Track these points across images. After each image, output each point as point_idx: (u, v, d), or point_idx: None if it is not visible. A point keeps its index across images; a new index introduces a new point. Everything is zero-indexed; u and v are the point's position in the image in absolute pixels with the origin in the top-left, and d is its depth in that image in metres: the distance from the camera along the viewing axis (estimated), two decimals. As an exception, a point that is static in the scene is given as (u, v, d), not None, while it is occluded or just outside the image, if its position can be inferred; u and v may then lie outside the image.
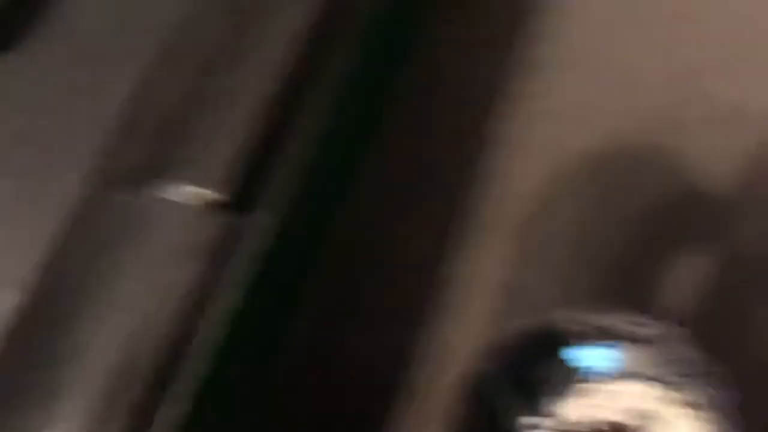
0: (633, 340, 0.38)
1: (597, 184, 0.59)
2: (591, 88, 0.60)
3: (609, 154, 0.59)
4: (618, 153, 0.59)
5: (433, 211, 0.57)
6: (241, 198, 0.39)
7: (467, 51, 0.61)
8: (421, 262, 0.55)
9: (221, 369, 0.36)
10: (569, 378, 0.37)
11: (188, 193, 0.38)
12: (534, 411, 0.36)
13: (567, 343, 0.38)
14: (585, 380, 0.37)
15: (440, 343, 0.50)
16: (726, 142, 0.58)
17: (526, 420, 0.36)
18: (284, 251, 0.42)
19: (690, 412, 0.36)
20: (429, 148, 0.59)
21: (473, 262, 0.54)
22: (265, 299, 0.42)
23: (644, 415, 0.36)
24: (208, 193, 0.38)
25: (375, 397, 0.50)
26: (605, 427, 0.36)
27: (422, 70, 0.59)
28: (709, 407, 0.37)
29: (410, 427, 0.49)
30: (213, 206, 0.38)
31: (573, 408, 0.36)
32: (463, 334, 0.47)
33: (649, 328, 0.40)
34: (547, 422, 0.36)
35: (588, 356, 0.37)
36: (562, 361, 0.37)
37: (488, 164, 0.59)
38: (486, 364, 0.41)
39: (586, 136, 0.59)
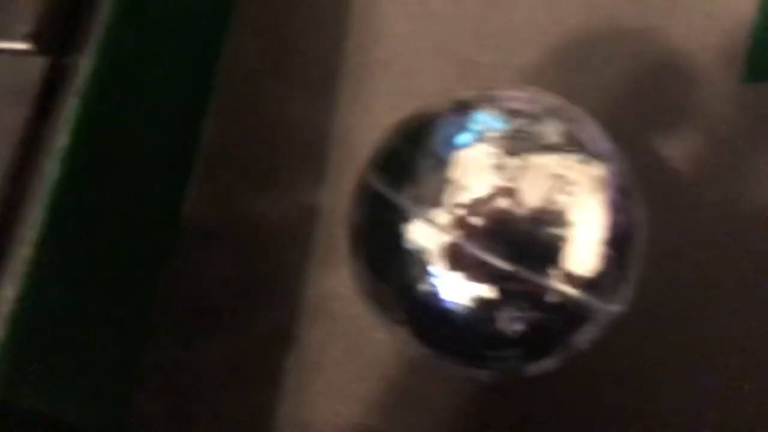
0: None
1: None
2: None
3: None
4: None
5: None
6: (55, 43, 0.38)
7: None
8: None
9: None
10: (444, 153, 0.36)
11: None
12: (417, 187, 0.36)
13: (438, 123, 0.38)
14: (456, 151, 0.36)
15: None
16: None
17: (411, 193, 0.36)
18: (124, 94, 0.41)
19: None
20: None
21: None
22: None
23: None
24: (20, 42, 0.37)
25: (291, 251, 0.50)
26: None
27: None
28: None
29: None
30: (28, 52, 0.37)
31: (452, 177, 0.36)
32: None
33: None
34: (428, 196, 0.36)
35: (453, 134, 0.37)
36: (435, 141, 0.37)
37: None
38: (372, 160, 0.40)
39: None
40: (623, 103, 0.53)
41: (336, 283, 0.49)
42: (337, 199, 0.49)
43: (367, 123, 0.53)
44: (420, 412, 0.47)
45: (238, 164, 0.52)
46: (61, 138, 0.36)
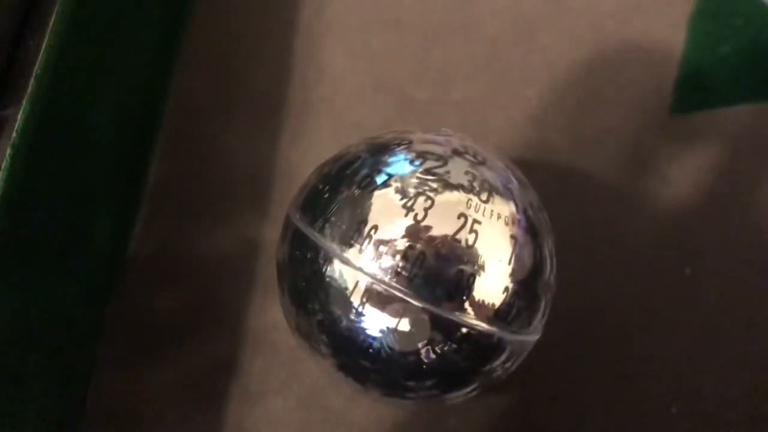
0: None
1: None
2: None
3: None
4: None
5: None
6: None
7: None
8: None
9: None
10: (359, 194, 0.39)
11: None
12: (333, 229, 0.38)
13: (355, 165, 0.40)
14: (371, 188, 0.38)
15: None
16: None
17: (329, 233, 0.39)
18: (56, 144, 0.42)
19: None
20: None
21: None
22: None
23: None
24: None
25: (234, 283, 0.52)
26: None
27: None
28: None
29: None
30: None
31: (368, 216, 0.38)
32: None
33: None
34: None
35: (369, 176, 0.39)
36: (352, 182, 0.39)
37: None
38: (294, 199, 0.42)
39: None
40: (554, 134, 0.55)
41: (277, 315, 0.51)
42: (279, 233, 0.51)
43: (309, 157, 0.55)
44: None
45: (183, 199, 0.54)
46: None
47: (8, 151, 0.38)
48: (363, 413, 0.49)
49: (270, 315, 0.51)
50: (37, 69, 0.40)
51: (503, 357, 0.39)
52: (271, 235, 0.53)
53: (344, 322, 0.39)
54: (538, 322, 0.40)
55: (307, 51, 0.58)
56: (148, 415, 0.49)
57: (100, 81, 0.48)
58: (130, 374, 0.50)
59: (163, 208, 0.54)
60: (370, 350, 0.38)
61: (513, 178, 0.41)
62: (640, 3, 0.59)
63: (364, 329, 0.38)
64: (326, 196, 0.40)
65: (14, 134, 0.38)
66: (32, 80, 0.39)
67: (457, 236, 0.37)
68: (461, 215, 0.38)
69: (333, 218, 0.39)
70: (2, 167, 0.37)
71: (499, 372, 0.40)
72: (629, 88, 0.57)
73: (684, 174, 0.55)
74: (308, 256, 0.40)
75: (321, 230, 0.39)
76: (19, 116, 0.38)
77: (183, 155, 0.55)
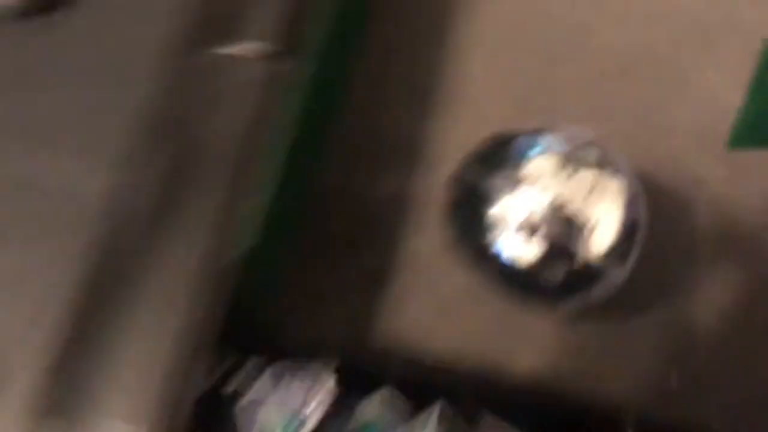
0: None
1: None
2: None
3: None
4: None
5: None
6: (286, 49, 0.53)
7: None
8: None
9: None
10: (519, 158, 0.59)
11: (248, 48, 0.51)
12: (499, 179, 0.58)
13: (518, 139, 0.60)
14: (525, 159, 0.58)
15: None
16: None
17: (494, 183, 0.58)
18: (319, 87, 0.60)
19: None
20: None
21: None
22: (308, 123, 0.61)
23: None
24: (262, 47, 0.51)
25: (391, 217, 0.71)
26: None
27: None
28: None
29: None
30: (267, 56, 0.51)
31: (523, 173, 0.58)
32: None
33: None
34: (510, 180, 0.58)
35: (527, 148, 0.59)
36: (514, 149, 0.59)
37: None
38: (465, 160, 0.61)
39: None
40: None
41: (420, 243, 0.71)
42: (427, 185, 0.72)
43: (453, 133, 0.75)
44: (486, 337, 0.68)
45: (358, 152, 0.74)
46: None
47: (289, 98, 0.57)
48: (490, 316, 0.68)
49: (415, 243, 0.70)
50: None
51: (604, 283, 0.58)
52: (420, 185, 0.72)
53: (497, 247, 0.58)
54: (630, 263, 0.59)
55: (453, 60, 0.78)
56: (327, 299, 0.69)
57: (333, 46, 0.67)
58: (317, 270, 0.70)
59: (347, 153, 0.73)
60: (515, 266, 0.58)
61: (625, 164, 0.60)
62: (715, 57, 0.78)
63: (511, 252, 0.58)
64: (494, 158, 0.59)
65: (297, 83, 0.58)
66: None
67: (587, 199, 0.57)
68: (591, 184, 0.57)
69: (497, 174, 0.58)
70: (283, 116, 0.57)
71: (600, 293, 0.59)
72: (690, 130, 0.74)
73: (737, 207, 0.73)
74: (474, 200, 0.59)
75: (486, 182, 0.58)
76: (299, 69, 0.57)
77: (360, 119, 0.75)
